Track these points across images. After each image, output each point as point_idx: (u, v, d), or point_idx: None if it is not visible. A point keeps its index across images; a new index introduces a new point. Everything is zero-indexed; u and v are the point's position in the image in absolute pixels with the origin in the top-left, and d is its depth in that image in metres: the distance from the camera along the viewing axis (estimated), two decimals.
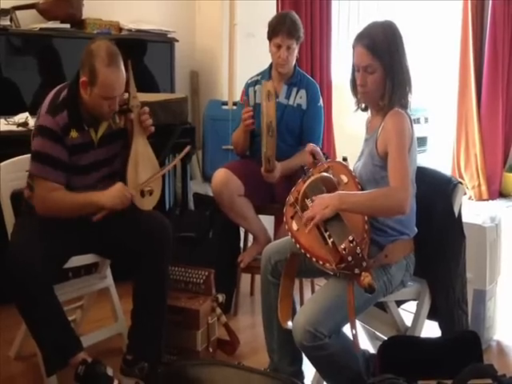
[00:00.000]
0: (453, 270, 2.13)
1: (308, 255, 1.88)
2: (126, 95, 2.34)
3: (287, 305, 2.06)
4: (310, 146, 2.24)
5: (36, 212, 2.24)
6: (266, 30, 2.93)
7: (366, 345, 2.38)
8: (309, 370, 2.21)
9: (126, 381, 2.30)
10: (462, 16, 5.34)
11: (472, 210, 2.87)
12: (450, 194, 2.12)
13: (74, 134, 2.24)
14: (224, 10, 4.00)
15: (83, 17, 3.56)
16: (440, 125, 5.95)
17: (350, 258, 1.70)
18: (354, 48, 1.98)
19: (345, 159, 2.29)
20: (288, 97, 2.99)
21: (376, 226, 1.97)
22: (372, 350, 2.21)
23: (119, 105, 2.29)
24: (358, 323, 1.80)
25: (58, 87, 2.30)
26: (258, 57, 3.23)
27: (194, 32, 4.29)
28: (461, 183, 2.17)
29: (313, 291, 3.07)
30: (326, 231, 1.83)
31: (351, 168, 2.12)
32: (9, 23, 3.28)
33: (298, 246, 1.92)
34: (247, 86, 3.09)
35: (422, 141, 5.56)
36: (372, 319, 2.30)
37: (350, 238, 1.72)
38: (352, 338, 1.76)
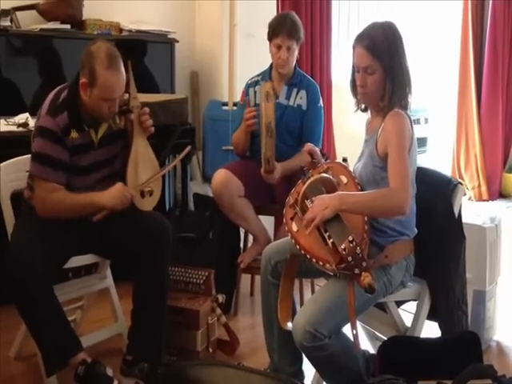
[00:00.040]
0: (453, 270, 2.13)
1: (308, 256, 1.88)
2: (127, 96, 2.34)
3: (287, 306, 2.06)
4: (308, 145, 2.24)
5: (36, 212, 2.24)
6: (266, 30, 2.93)
7: (366, 345, 2.38)
8: (309, 369, 2.21)
9: (125, 381, 2.30)
10: (462, 16, 5.34)
11: (472, 210, 2.87)
12: (450, 194, 2.12)
13: (74, 134, 2.24)
14: (224, 10, 4.00)
15: (83, 17, 3.56)
16: (440, 125, 5.95)
17: (349, 259, 1.70)
18: (353, 49, 1.98)
19: (345, 160, 2.29)
20: (288, 97, 2.99)
21: (376, 226, 1.97)
22: (372, 351, 2.21)
23: (119, 105, 2.29)
24: (358, 323, 1.80)
25: (58, 88, 2.30)
26: (258, 57, 3.23)
27: (194, 32, 4.29)
28: (461, 184, 2.17)
29: (313, 291, 3.07)
30: (325, 232, 1.83)
31: (351, 169, 2.12)
32: (9, 24, 3.28)
33: (297, 247, 1.92)
34: (247, 86, 3.09)
35: (422, 141, 5.57)
36: (372, 319, 2.30)
37: (350, 238, 1.72)
38: (352, 339, 1.76)
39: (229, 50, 3.93)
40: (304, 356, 2.00)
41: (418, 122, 5.60)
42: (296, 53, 2.94)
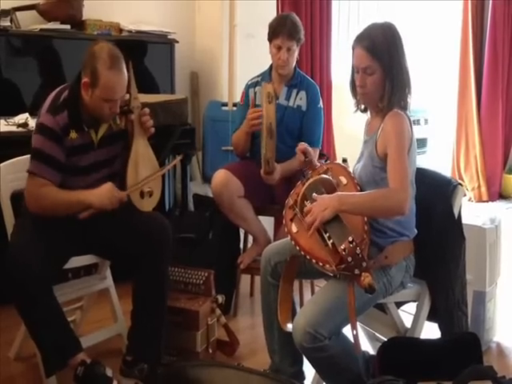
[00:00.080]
0: (452, 271, 2.13)
1: (308, 257, 1.87)
2: (127, 96, 2.34)
3: (287, 307, 2.06)
4: (303, 145, 2.24)
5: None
6: (266, 30, 2.93)
7: (366, 346, 2.38)
8: (309, 370, 2.21)
9: (125, 382, 2.30)
10: (462, 16, 5.34)
11: (472, 211, 2.88)
12: (450, 195, 2.12)
13: (73, 134, 2.24)
14: (224, 10, 4.00)
15: (83, 18, 3.56)
16: (440, 126, 5.95)
17: (349, 259, 1.70)
18: (353, 49, 1.98)
19: (345, 160, 2.29)
20: (288, 98, 2.99)
21: (376, 227, 1.97)
22: (372, 352, 2.21)
23: (120, 105, 2.29)
24: (357, 324, 1.80)
25: (59, 88, 2.30)
26: (258, 58, 3.23)
27: (193, 33, 4.29)
28: (461, 185, 2.17)
29: (312, 292, 3.07)
30: (325, 232, 1.83)
31: (351, 169, 2.12)
32: (9, 24, 3.28)
33: (297, 248, 1.92)
34: (247, 87, 3.09)
35: (422, 142, 5.57)
36: (372, 320, 2.29)
37: (350, 238, 1.72)
38: (352, 340, 1.76)
39: (229, 50, 3.93)
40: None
41: (417, 122, 5.60)
42: (296, 54, 2.94)
